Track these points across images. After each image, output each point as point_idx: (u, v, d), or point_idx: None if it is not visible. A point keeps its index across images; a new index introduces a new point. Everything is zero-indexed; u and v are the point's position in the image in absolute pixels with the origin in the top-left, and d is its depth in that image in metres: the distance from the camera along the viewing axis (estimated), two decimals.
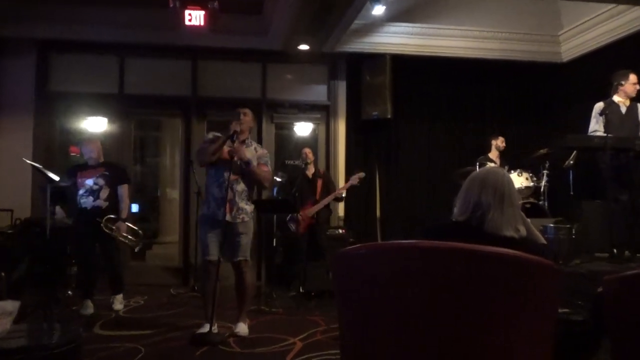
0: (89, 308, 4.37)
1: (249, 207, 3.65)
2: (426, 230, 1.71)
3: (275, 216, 5.08)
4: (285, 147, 6.70)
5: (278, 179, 5.49)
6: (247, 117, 3.64)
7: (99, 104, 6.02)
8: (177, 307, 4.71)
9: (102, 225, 4.35)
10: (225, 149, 3.53)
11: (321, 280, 5.00)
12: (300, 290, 4.99)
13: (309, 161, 5.40)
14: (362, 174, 5.32)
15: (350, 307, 1.49)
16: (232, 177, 3.52)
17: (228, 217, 3.52)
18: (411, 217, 6.14)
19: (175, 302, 4.96)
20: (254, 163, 3.63)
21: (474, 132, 6.38)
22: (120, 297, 4.59)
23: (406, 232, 5.99)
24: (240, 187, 3.59)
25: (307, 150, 5.46)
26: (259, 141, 6.03)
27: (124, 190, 4.57)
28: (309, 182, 5.39)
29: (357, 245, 1.49)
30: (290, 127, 6.65)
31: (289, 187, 5.35)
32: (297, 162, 5.62)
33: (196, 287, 5.29)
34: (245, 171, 3.58)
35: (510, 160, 5.83)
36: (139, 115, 6.45)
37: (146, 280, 5.70)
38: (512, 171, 5.48)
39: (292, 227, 5.20)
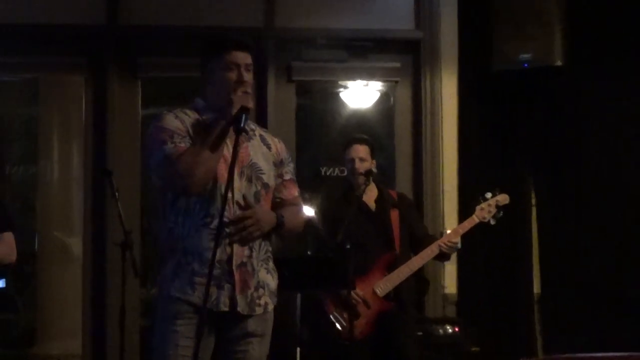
0: None
1: (273, 281, 3.99)
2: None
3: (299, 296, 5.56)
4: (319, 136, 7.01)
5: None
6: (251, 74, 3.95)
7: None
8: None
9: None
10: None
11: None
12: None
13: (360, 176, 5.62)
14: (502, 198, 5.67)
15: None
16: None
17: (241, 306, 3.78)
18: (611, 294, 6.39)
19: None
20: (270, 178, 3.94)
21: None
22: None
23: (599, 325, 6.24)
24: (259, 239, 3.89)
25: (359, 149, 5.71)
26: (262, 119, 6.48)
27: (7, 242, 5.08)
28: (371, 220, 5.78)
29: None
30: (329, 93, 7.01)
31: (329, 228, 5.68)
32: (345, 174, 6.04)
33: None
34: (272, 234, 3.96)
35: None
36: None
37: None
38: None
39: (341, 322, 5.50)
